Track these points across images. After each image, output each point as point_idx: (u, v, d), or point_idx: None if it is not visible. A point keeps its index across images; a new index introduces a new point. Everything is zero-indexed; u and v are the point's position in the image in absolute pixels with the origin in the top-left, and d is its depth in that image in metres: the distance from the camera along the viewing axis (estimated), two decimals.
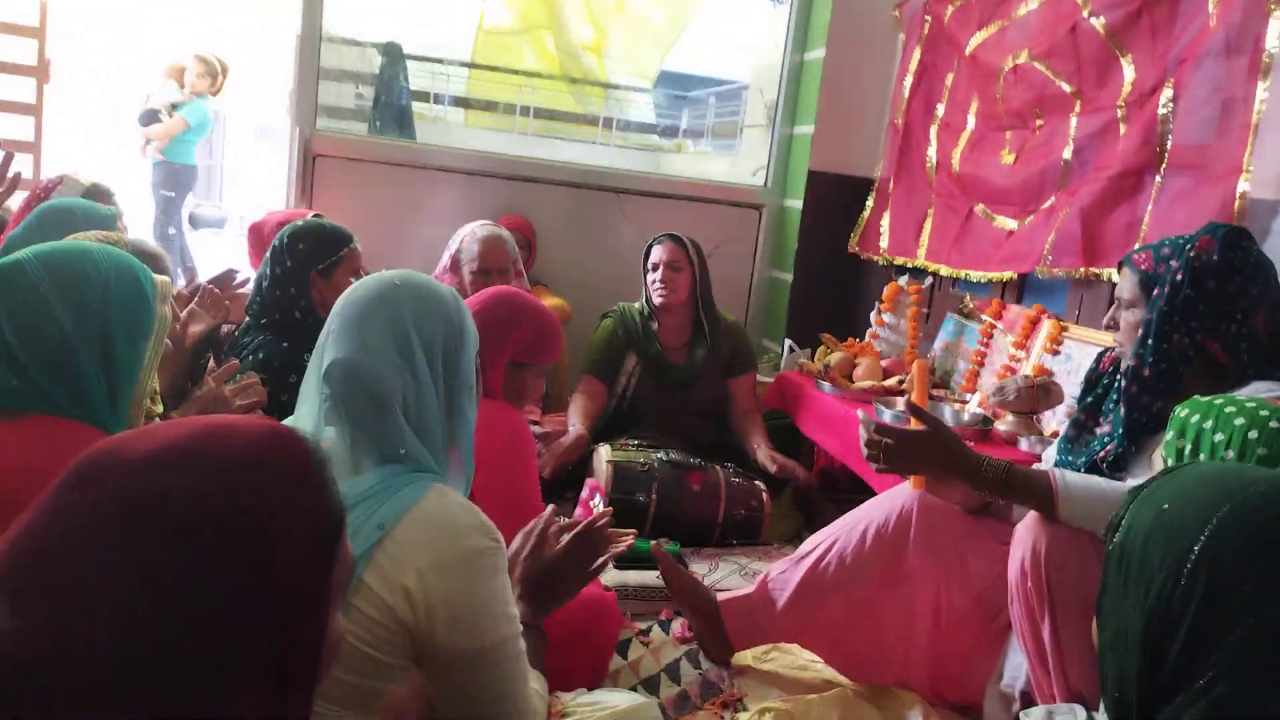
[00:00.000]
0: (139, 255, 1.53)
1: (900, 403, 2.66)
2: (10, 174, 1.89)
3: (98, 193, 2.28)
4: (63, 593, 0.68)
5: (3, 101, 5.95)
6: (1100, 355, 1.97)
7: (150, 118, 6.38)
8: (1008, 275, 2.95)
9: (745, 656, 2.22)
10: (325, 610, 0.78)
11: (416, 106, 4.83)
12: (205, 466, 0.73)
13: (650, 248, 3.28)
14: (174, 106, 6.43)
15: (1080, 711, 1.57)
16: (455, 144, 4.43)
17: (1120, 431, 1.76)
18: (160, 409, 1.59)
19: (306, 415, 1.27)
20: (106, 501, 0.71)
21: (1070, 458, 1.88)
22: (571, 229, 4.05)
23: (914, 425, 1.78)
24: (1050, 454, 2.04)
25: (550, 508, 1.60)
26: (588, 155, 4.78)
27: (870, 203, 3.85)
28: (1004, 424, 2.50)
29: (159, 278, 1.46)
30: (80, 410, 1.33)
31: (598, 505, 1.78)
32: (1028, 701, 1.80)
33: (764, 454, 3.06)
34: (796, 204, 4.05)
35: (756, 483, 2.97)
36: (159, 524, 0.70)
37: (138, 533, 0.69)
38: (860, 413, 1.88)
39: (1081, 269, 2.59)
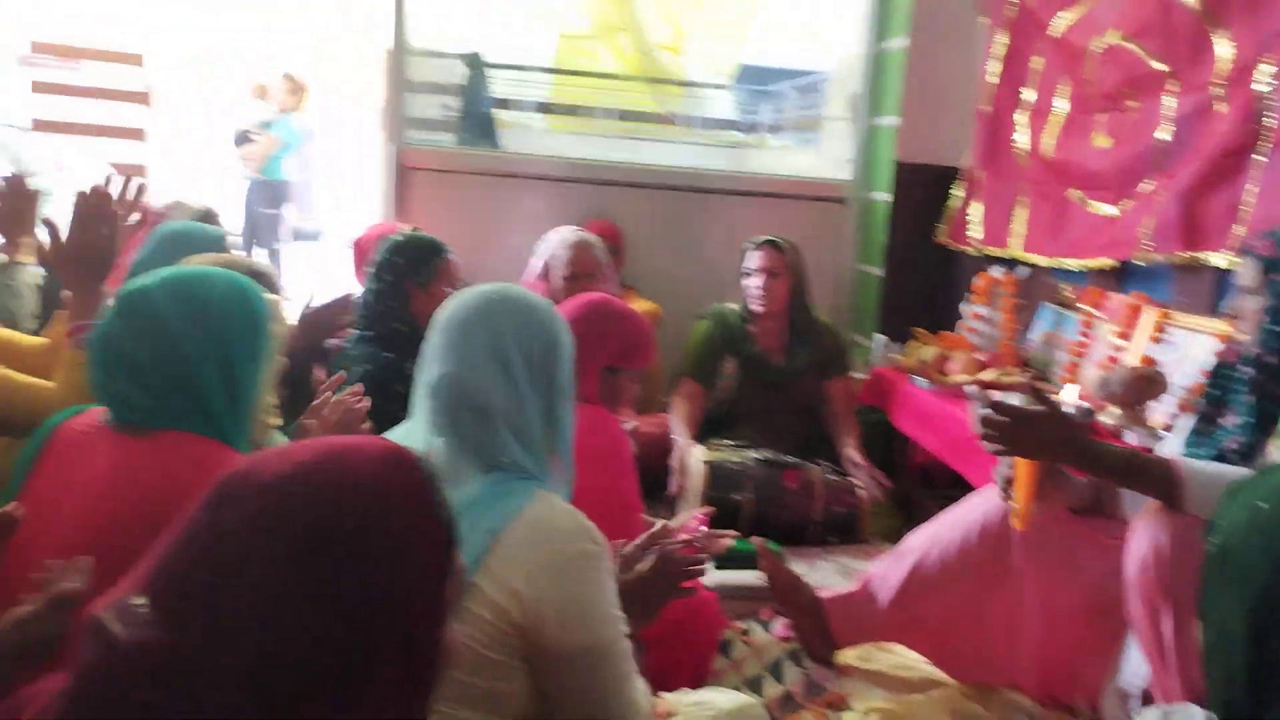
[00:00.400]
0: (251, 274, 1.62)
1: (995, 397, 2.60)
2: (131, 195, 1.99)
3: (209, 216, 2.39)
4: (212, 607, 0.73)
5: (111, 127, 6.28)
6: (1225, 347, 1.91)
7: (243, 138, 6.63)
8: (1106, 262, 2.86)
9: (849, 656, 2.21)
10: (443, 616, 0.82)
11: (500, 114, 4.91)
12: (332, 487, 0.78)
13: (748, 252, 3.27)
14: (264, 125, 6.66)
15: (1197, 712, 1.53)
16: (539, 150, 4.49)
17: (1250, 421, 1.71)
18: (280, 421, 1.67)
19: (417, 425, 1.32)
20: (247, 521, 0.76)
21: (1198, 450, 1.82)
22: (658, 231, 4.07)
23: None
24: (1169, 448, 1.98)
25: (647, 530, 1.61)
26: (670, 155, 4.79)
27: (959, 192, 3.78)
28: (1108, 416, 2.43)
29: (270, 297, 1.54)
30: (206, 426, 1.41)
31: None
32: (1147, 700, 1.75)
33: (853, 452, 3.04)
34: (884, 196, 4.00)
35: (853, 480, 2.95)
36: (295, 541, 0.75)
37: (276, 549, 0.75)
38: (973, 388, 1.84)
39: (1182, 253, 2.50)
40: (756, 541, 2.23)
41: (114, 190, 1.92)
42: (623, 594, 1.49)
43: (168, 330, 1.39)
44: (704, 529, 1.95)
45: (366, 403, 2.01)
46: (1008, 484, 1.82)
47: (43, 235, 1.91)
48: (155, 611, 0.73)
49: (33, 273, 2.41)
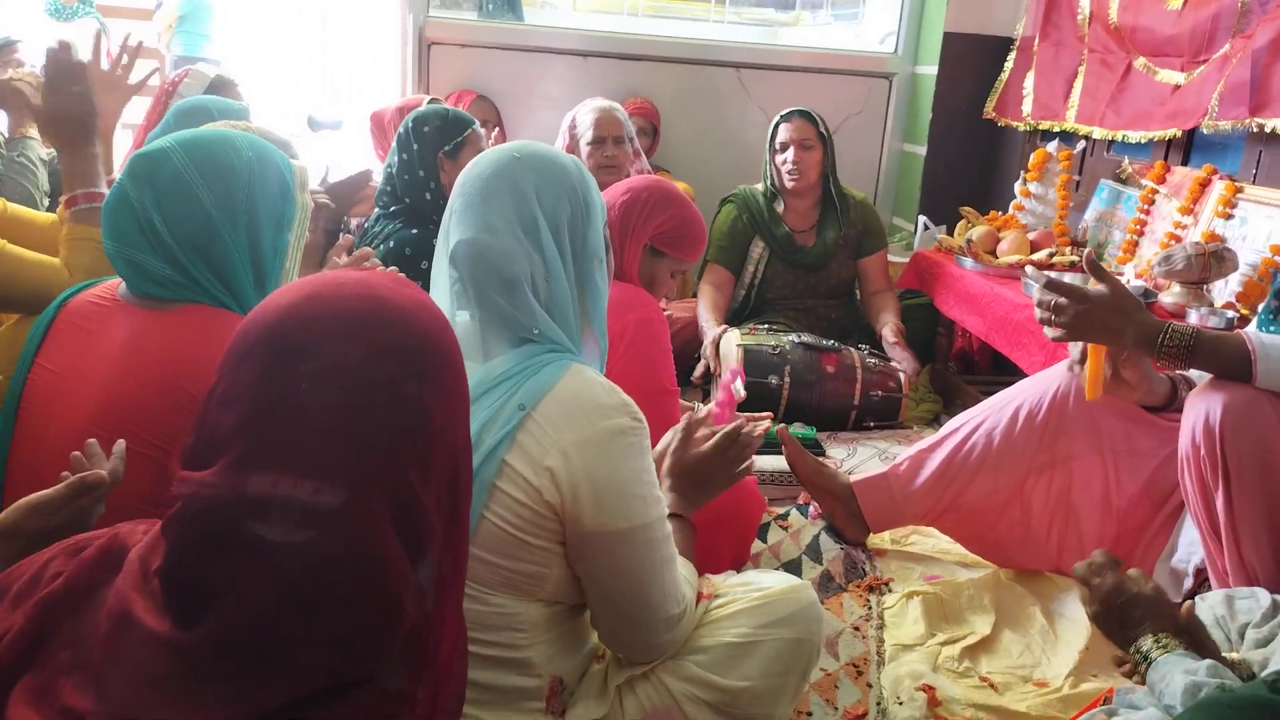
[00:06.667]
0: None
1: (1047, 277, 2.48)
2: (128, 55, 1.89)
3: (222, 84, 2.29)
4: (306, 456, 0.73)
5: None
6: None
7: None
8: (1171, 133, 2.69)
9: (884, 539, 2.17)
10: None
11: None
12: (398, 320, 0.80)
13: (777, 125, 3.11)
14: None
15: (1263, 595, 1.47)
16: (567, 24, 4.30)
17: None
18: None
19: (439, 297, 1.24)
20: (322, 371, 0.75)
21: (1275, 329, 1.71)
22: (691, 110, 3.91)
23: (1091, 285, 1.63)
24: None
25: (697, 411, 1.56)
26: (702, 32, 4.58)
27: (1010, 64, 3.57)
28: (1169, 295, 2.31)
29: (297, 164, 1.44)
30: (230, 299, 1.34)
31: (739, 389, 1.72)
32: (1201, 578, 1.69)
33: (890, 329, 2.94)
34: (930, 70, 3.79)
35: (893, 364, 2.86)
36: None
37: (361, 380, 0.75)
38: (1029, 269, 1.74)
39: (1251, 120, 2.32)
40: (779, 427, 2.17)
41: (102, 48, 1.85)
42: (681, 473, 1.44)
43: (190, 193, 1.29)
44: (741, 385, 1.85)
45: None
46: (1082, 355, 1.72)
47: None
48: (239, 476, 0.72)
49: (38, 147, 2.34)
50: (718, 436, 1.46)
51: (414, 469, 0.75)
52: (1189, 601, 1.35)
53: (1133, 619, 1.27)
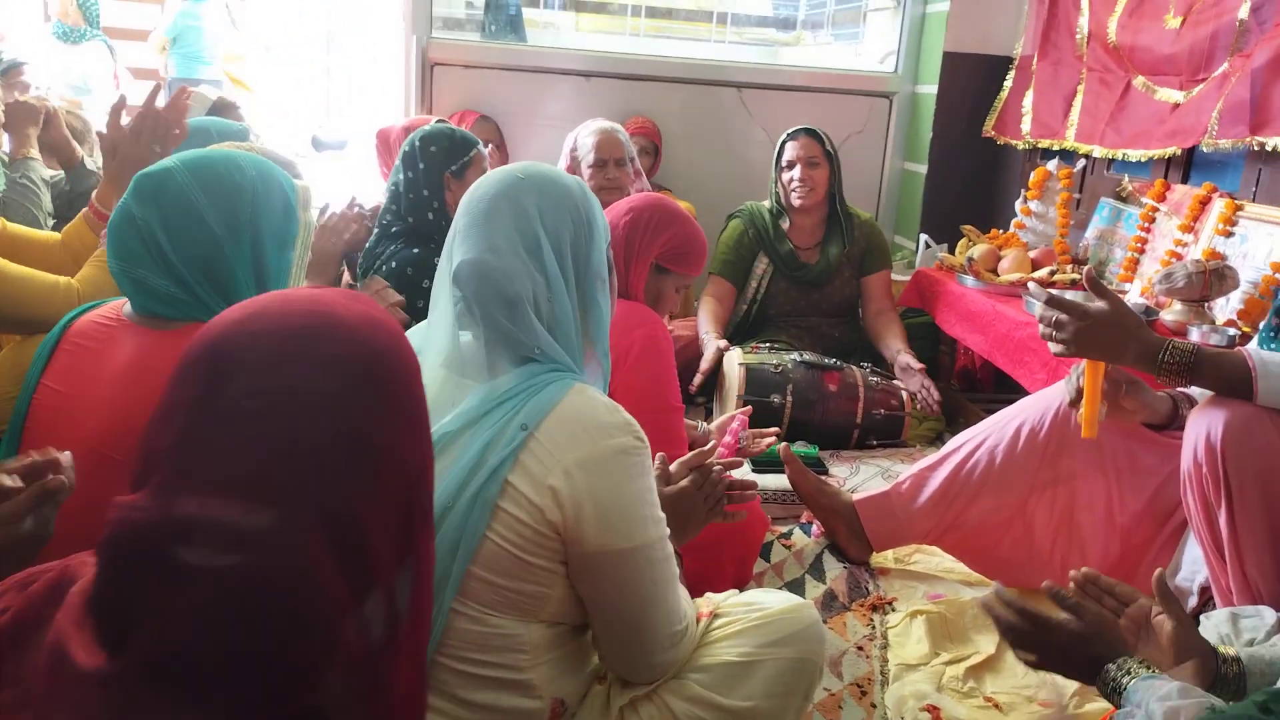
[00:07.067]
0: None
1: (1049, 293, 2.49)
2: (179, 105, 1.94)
3: (224, 105, 2.31)
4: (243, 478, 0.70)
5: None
6: None
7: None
8: (1170, 152, 2.70)
9: (887, 558, 2.16)
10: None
11: (527, 13, 4.72)
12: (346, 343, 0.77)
13: (784, 143, 3.12)
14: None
15: (1269, 613, 1.46)
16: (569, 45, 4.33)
17: None
18: None
19: (441, 318, 1.24)
20: (263, 391, 0.72)
21: (1276, 346, 1.71)
22: (693, 129, 3.92)
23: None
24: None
25: (705, 426, 1.55)
26: (704, 52, 4.60)
27: (1009, 82, 3.59)
28: (1170, 313, 2.31)
29: (299, 184, 1.45)
30: None
31: (744, 438, 1.76)
32: (1205, 597, 1.69)
33: (904, 356, 2.94)
34: (930, 89, 3.81)
35: (895, 382, 2.86)
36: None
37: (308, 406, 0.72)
38: (1031, 285, 1.74)
39: (1251, 139, 2.33)
40: (781, 445, 2.17)
41: (160, 101, 1.89)
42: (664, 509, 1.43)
43: (195, 212, 1.30)
44: (745, 430, 1.89)
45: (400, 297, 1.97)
46: (1077, 394, 1.72)
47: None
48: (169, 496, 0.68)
49: (40, 168, 2.36)
50: (691, 473, 1.44)
51: (355, 490, 0.71)
52: (1158, 571, 1.35)
53: (1079, 657, 1.28)
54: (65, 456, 1.05)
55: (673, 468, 1.47)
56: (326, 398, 0.71)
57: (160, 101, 1.83)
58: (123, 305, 1.37)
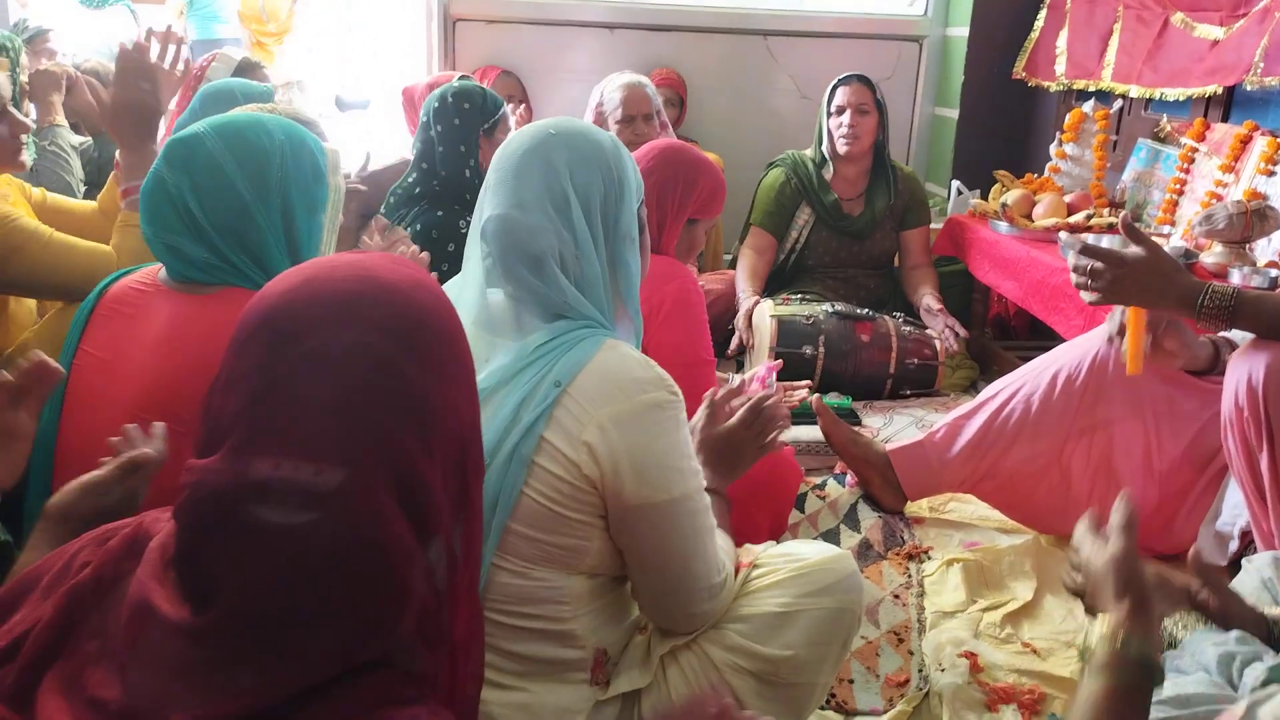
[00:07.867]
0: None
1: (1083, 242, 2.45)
2: (171, 54, 1.94)
3: (249, 66, 2.30)
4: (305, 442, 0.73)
5: None
6: None
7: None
8: (1211, 90, 2.63)
9: (921, 507, 2.16)
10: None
11: None
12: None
13: (834, 89, 3.06)
14: None
15: None
16: None
17: None
18: None
19: (472, 274, 1.24)
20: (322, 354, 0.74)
21: None
22: (719, 80, 3.87)
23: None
24: None
25: (730, 382, 1.55)
26: (729, 1, 4.52)
27: (1040, 22, 3.49)
28: (1211, 255, 2.27)
29: (329, 147, 1.44)
30: (266, 282, 1.34)
31: (772, 385, 1.75)
32: (1246, 541, 1.67)
33: (929, 299, 2.92)
34: (961, 32, 3.73)
35: (928, 331, 2.84)
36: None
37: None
38: (1063, 235, 1.72)
39: None
40: (813, 397, 2.16)
41: (153, 50, 1.90)
42: (710, 448, 1.44)
43: (223, 178, 1.30)
44: (774, 379, 1.88)
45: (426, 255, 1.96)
46: (1120, 330, 1.70)
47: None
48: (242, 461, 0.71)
49: (68, 134, 2.37)
50: (743, 410, 1.46)
51: (416, 447, 0.74)
52: (1193, 548, 1.34)
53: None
54: (157, 428, 1.09)
55: (716, 399, 1.48)
56: (382, 359, 0.74)
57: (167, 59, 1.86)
58: (158, 270, 1.38)
